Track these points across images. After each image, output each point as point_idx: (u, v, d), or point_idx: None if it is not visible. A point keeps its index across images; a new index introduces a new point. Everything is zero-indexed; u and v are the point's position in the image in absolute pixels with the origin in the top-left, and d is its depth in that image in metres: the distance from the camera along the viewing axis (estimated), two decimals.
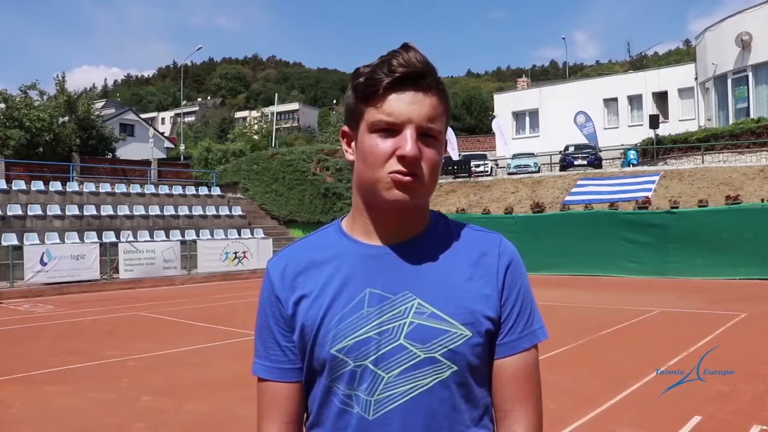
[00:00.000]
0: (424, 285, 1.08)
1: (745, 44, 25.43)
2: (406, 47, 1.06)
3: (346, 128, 1.14)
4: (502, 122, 30.68)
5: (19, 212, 18.27)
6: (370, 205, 1.10)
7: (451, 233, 1.15)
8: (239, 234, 21.62)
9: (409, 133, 1.03)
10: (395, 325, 1.05)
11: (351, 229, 1.15)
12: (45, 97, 28.04)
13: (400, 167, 1.03)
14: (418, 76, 1.04)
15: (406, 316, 1.06)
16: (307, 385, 1.13)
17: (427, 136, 1.05)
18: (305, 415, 1.16)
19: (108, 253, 17.25)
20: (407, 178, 1.03)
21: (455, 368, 1.05)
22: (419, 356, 1.04)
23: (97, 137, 29.54)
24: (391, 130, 1.04)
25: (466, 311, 1.07)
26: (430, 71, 1.06)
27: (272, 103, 58.32)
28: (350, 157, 1.13)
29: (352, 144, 1.12)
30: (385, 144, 1.04)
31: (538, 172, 25.11)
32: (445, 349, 1.04)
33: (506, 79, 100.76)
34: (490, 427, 1.12)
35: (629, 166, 24.02)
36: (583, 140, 27.60)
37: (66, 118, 27.95)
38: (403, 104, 1.03)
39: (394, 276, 1.08)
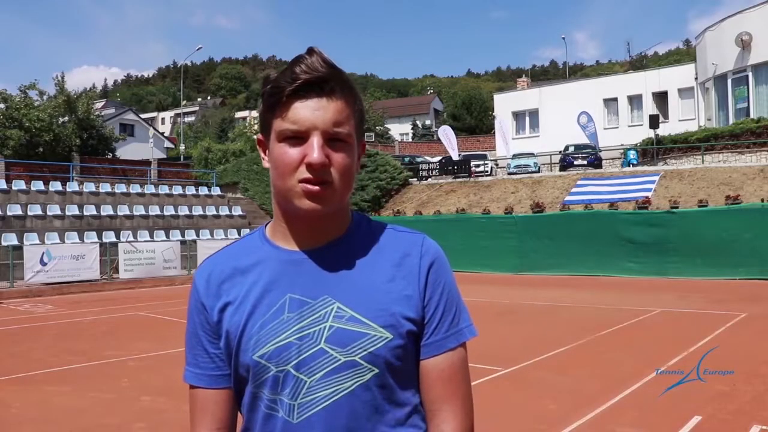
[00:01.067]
0: (344, 288, 1.08)
1: (745, 44, 25.42)
2: (310, 52, 1.05)
3: (260, 137, 1.14)
4: (504, 122, 30.66)
5: (19, 212, 18.26)
6: (286, 212, 1.11)
7: (373, 235, 1.15)
8: (239, 234, 21.57)
9: (315, 140, 1.03)
10: (315, 329, 1.05)
11: (273, 235, 1.15)
12: (45, 97, 28.05)
13: (308, 175, 1.03)
14: (322, 81, 1.04)
15: (325, 320, 1.06)
16: (237, 392, 1.14)
17: (335, 140, 1.05)
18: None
19: (108, 253, 17.25)
20: (316, 188, 1.03)
21: (376, 371, 1.05)
22: (340, 360, 1.04)
23: (97, 137, 29.54)
24: (298, 137, 1.04)
25: (386, 313, 1.06)
26: (333, 75, 1.05)
27: None
28: (266, 164, 1.12)
29: (267, 152, 1.12)
30: (293, 152, 1.04)
31: (538, 172, 25.11)
32: (365, 352, 1.04)
33: (506, 79, 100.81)
34: (422, 426, 1.12)
35: (629, 166, 24.02)
36: (585, 140, 27.60)
37: (66, 118, 27.95)
38: (307, 111, 1.03)
39: (314, 280, 1.09)
